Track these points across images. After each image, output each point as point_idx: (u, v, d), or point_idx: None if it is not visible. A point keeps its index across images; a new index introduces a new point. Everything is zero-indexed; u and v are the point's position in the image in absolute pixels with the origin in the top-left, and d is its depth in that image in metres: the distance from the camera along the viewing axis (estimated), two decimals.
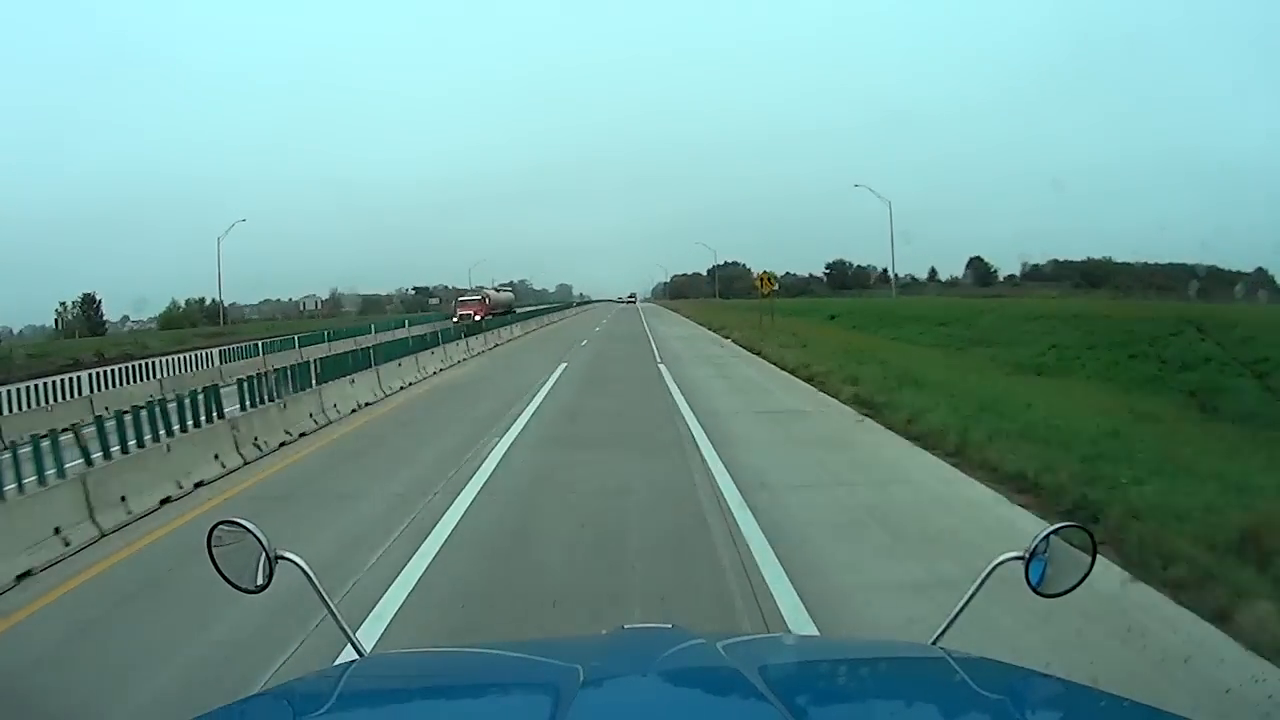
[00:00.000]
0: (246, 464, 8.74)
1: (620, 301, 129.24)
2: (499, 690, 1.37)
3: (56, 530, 5.84)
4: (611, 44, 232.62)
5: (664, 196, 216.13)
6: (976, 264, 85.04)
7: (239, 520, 1.61)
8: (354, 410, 12.57)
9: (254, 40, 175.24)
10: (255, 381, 10.18)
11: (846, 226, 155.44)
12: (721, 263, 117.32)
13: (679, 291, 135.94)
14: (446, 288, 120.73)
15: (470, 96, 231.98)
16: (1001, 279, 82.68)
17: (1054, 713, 1.26)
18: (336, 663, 2.24)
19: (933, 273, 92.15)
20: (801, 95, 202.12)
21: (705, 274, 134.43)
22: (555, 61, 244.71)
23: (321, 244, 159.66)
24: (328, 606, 1.63)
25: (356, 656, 1.60)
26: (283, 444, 9.82)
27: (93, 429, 7.07)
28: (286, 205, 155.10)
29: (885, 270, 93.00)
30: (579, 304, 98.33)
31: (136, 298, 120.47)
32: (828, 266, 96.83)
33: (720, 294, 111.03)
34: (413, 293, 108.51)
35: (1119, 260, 67.02)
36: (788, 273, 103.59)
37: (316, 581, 1.60)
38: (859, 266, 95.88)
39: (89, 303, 67.78)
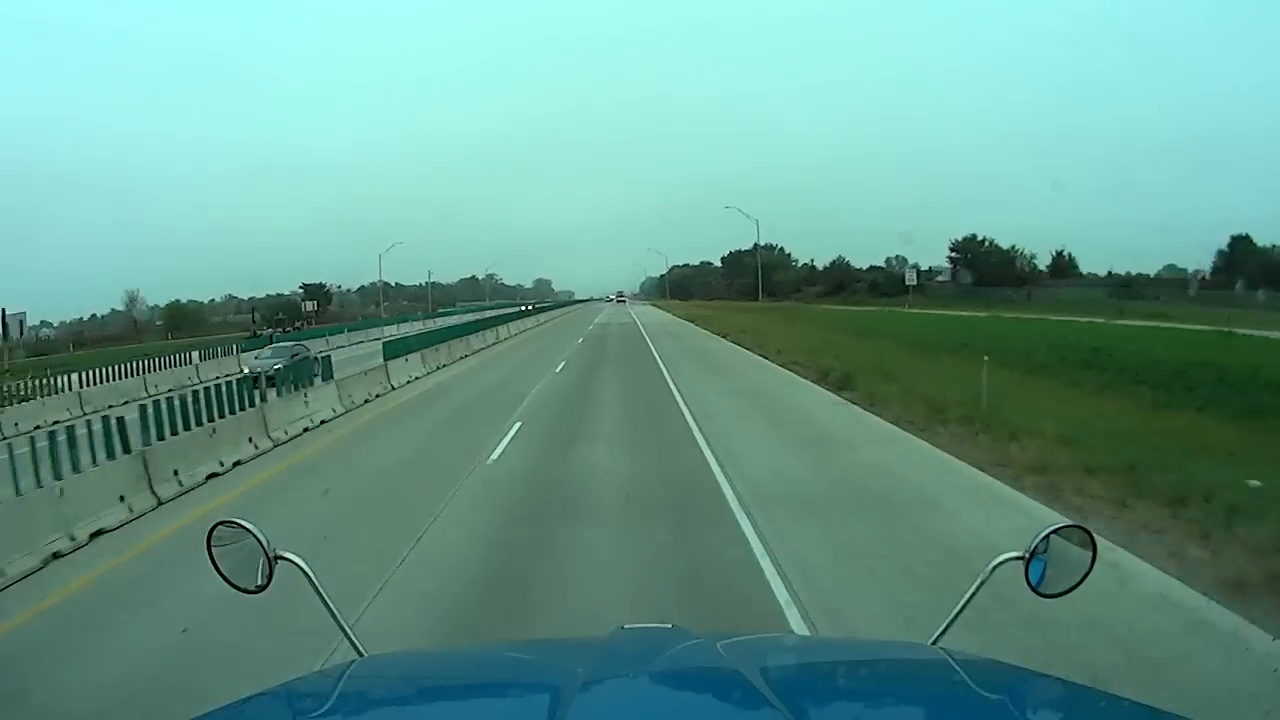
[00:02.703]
0: None
1: (608, 301, 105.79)
2: (499, 690, 1.35)
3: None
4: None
5: (662, 177, 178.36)
6: (1240, 250, 46.65)
7: (239, 521, 1.60)
8: None
9: None
10: None
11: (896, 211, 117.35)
12: (745, 246, 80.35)
13: (681, 287, 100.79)
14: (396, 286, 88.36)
15: (421, 62, 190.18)
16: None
17: (1054, 713, 1.25)
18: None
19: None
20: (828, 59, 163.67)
21: (720, 263, 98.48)
22: (531, 20, 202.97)
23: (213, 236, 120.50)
24: (327, 606, 1.60)
25: (356, 656, 1.55)
26: None
27: None
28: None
29: (1062, 256, 55.85)
30: (511, 309, 58.21)
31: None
32: (955, 249, 58.28)
33: (734, 292, 74.87)
34: (300, 292, 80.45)
35: None
36: (881, 264, 67.08)
37: (316, 581, 1.58)
38: (1001, 250, 57.44)
39: None
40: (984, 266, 55.85)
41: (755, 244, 66.78)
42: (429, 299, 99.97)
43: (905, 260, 68.64)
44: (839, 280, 69.10)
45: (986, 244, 59.45)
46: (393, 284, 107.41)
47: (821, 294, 67.67)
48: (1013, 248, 58.69)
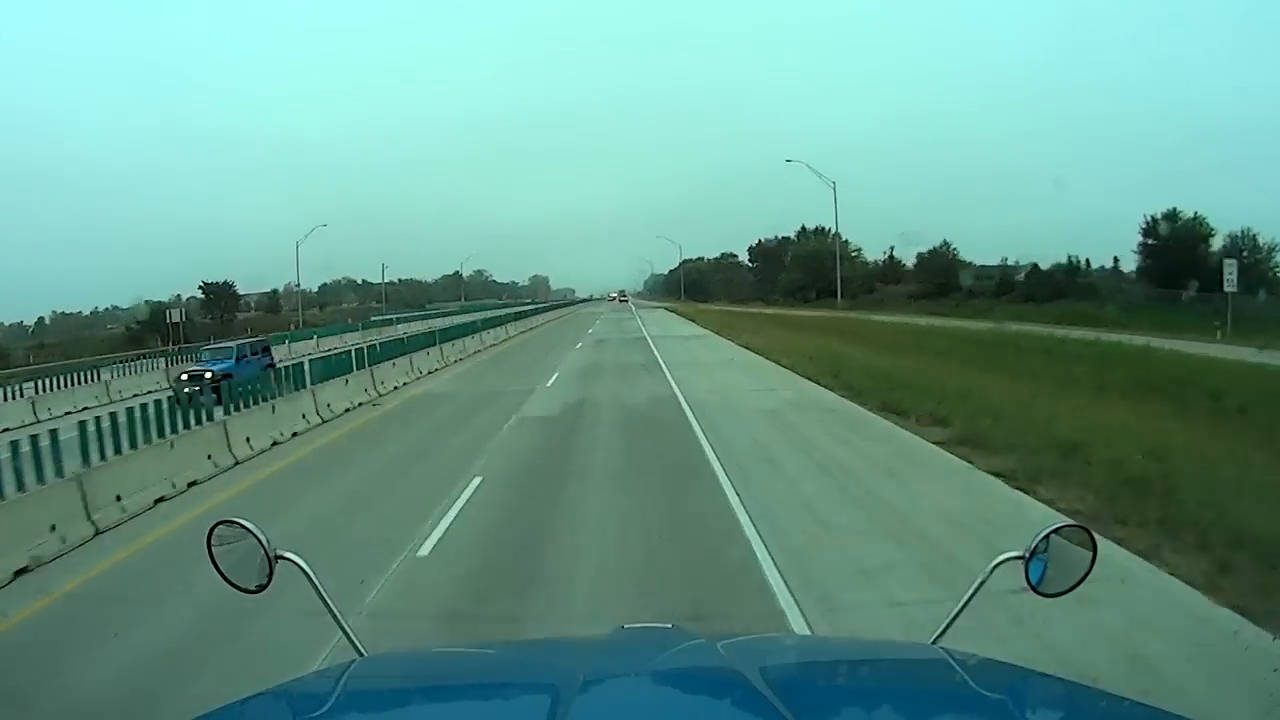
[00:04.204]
0: None
1: (609, 300, 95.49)
2: (499, 690, 1.35)
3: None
4: None
5: (663, 174, 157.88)
6: None
7: (239, 520, 1.58)
8: None
9: None
10: None
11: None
12: (773, 235, 58.88)
13: (698, 285, 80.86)
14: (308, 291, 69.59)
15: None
16: None
17: (1054, 713, 1.24)
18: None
19: None
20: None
21: (747, 255, 77.45)
22: None
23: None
24: (327, 606, 1.59)
25: (357, 656, 1.55)
26: None
27: None
28: None
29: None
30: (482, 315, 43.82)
31: None
32: (1147, 232, 36.14)
33: (774, 291, 54.55)
34: (200, 292, 64.61)
35: None
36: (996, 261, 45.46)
37: (316, 581, 1.58)
38: (1203, 232, 35.73)
39: None
40: (1193, 261, 34.26)
41: (832, 227, 44.89)
42: (383, 296, 79.16)
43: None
44: (941, 279, 47.10)
45: (1201, 225, 37.63)
46: (359, 280, 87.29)
47: (916, 296, 45.92)
48: (1245, 231, 36.90)
